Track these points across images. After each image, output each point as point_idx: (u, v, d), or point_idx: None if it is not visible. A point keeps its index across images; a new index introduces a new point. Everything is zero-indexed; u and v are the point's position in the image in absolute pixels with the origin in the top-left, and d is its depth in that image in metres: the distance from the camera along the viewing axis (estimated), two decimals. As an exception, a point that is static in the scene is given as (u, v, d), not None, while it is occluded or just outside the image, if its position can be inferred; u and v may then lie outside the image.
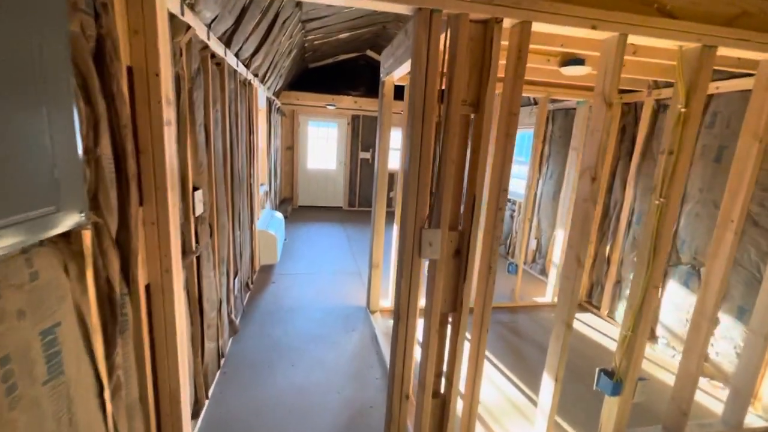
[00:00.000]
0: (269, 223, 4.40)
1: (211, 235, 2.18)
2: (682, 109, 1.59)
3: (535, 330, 3.26)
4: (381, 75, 2.97)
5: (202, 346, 2.00)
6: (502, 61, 1.61)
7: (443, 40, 1.43)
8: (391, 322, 3.18)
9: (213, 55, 2.14)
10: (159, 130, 1.28)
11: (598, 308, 3.63)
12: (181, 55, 1.60)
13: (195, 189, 1.84)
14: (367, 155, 7.81)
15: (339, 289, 3.84)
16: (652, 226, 1.69)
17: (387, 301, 3.44)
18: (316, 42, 5.72)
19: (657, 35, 1.48)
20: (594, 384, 1.88)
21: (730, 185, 1.87)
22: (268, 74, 4.22)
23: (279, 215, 4.97)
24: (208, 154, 2.10)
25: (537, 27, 1.45)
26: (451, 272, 1.61)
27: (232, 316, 2.75)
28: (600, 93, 1.52)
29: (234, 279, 2.85)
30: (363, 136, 7.74)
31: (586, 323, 3.45)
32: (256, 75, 3.68)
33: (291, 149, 7.52)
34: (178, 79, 1.59)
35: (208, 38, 1.97)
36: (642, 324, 1.73)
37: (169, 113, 1.34)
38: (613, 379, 1.78)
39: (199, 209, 1.88)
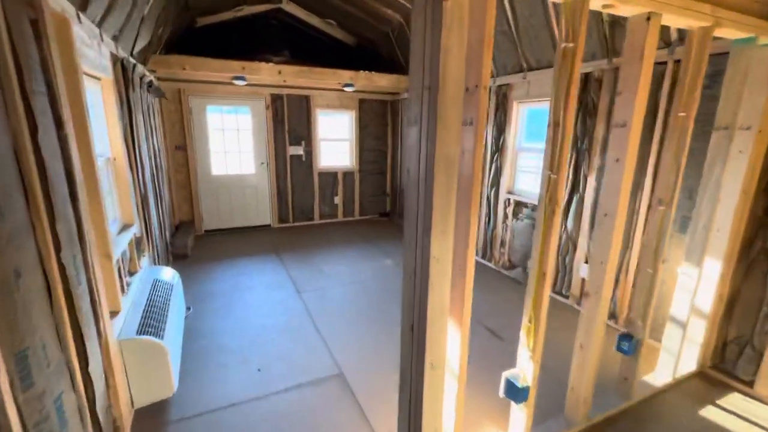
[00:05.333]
0: (149, 308, 2.17)
1: None
2: None
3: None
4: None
5: None
6: None
7: None
8: None
9: None
10: None
11: (748, 383, 2.26)
12: None
13: None
14: (298, 150, 5.65)
15: (319, 442, 1.87)
16: None
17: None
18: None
19: None
20: None
21: None
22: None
23: (167, 276, 2.71)
24: None
25: None
26: None
27: None
28: None
29: None
30: (290, 123, 5.54)
31: (739, 413, 2.04)
32: (51, -22, 1.43)
33: (182, 149, 5.02)
34: None
35: None
36: None
37: None
38: None
39: None
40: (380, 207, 6.52)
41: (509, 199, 3.88)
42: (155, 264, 3.09)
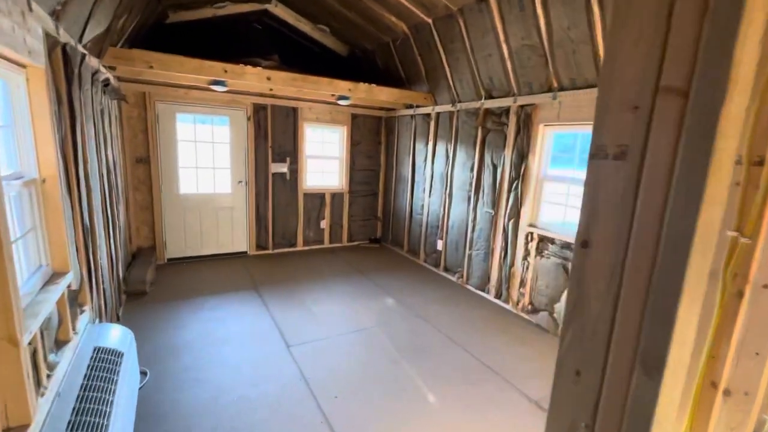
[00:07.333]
0: (82, 402, 1.46)
1: None
2: None
3: None
4: None
5: None
6: None
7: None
8: None
9: None
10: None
11: None
12: None
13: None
14: (282, 168, 5.00)
15: None
16: None
17: None
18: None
19: None
20: None
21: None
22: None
23: (114, 338, 1.99)
24: None
25: None
26: None
27: None
28: None
29: None
30: (274, 138, 4.90)
31: None
32: None
33: (145, 162, 4.25)
34: None
35: None
36: None
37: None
38: None
39: None
40: (370, 232, 5.93)
41: (532, 233, 3.41)
42: (101, 317, 2.34)
